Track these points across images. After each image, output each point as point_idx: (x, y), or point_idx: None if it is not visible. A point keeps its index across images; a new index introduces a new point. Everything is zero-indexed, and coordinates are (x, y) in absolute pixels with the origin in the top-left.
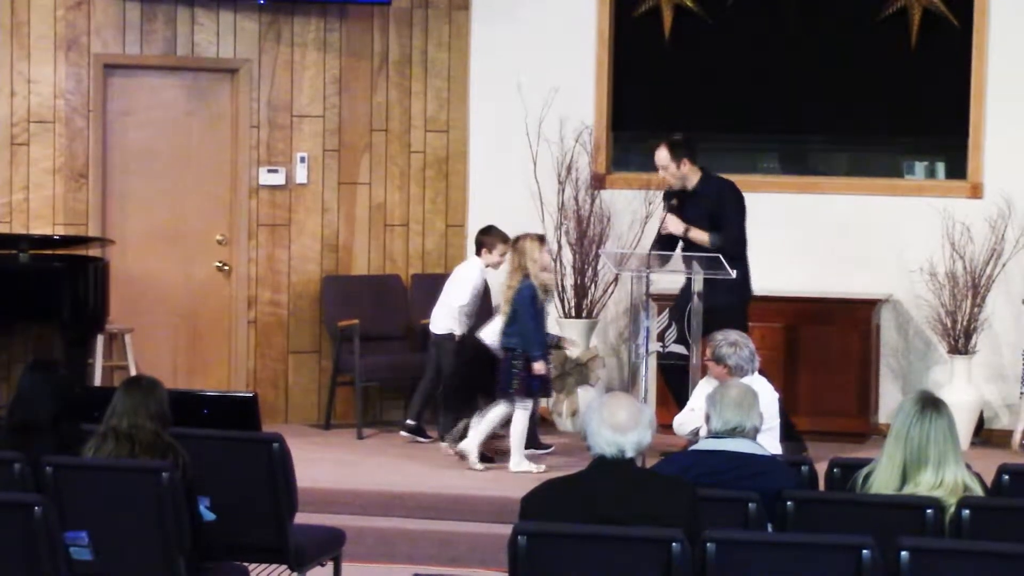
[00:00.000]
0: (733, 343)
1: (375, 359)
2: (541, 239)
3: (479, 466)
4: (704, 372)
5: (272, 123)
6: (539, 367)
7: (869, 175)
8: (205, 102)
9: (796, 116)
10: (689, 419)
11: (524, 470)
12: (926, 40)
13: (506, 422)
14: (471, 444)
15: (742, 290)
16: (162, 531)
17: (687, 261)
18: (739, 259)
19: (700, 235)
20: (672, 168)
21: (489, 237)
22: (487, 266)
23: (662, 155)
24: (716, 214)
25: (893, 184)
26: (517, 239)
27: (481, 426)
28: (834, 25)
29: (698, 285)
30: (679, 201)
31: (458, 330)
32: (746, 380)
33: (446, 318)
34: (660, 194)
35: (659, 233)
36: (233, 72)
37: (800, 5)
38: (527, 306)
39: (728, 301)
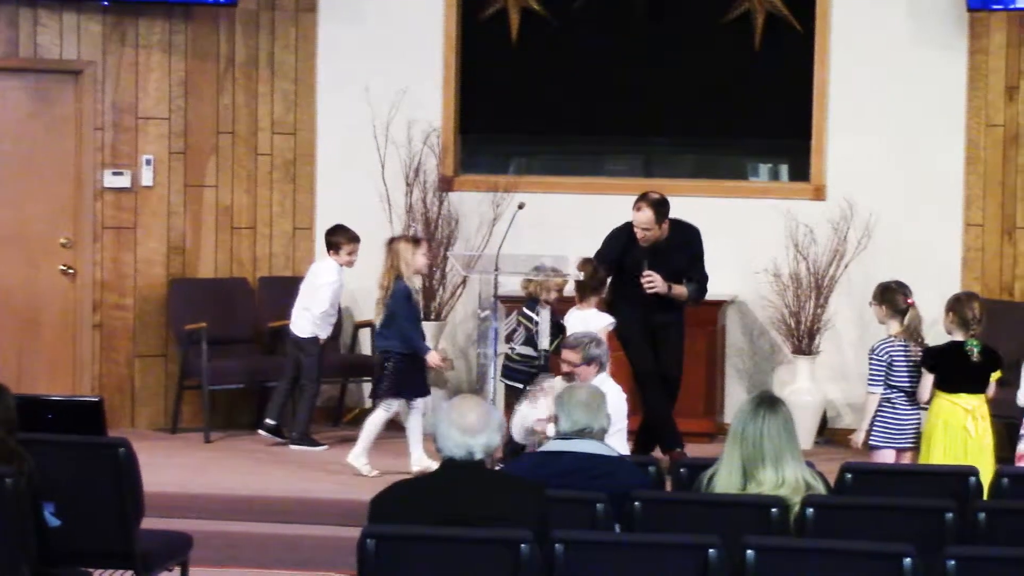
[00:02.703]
0: (597, 342)
1: (222, 363)
2: (416, 241)
3: (372, 472)
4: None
5: (117, 125)
6: (433, 358)
7: (714, 177)
8: (48, 104)
9: (642, 119)
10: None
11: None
12: (770, 43)
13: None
14: (356, 453)
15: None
16: (6, 538)
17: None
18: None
19: (680, 290)
20: (655, 229)
21: (335, 237)
22: (341, 265)
23: (647, 217)
24: (689, 261)
25: (738, 186)
26: (392, 240)
27: (364, 433)
28: (679, 28)
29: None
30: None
31: (322, 334)
32: (595, 381)
33: (309, 323)
34: (510, 197)
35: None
36: (77, 74)
37: (646, 8)
38: (402, 306)
39: (680, 318)
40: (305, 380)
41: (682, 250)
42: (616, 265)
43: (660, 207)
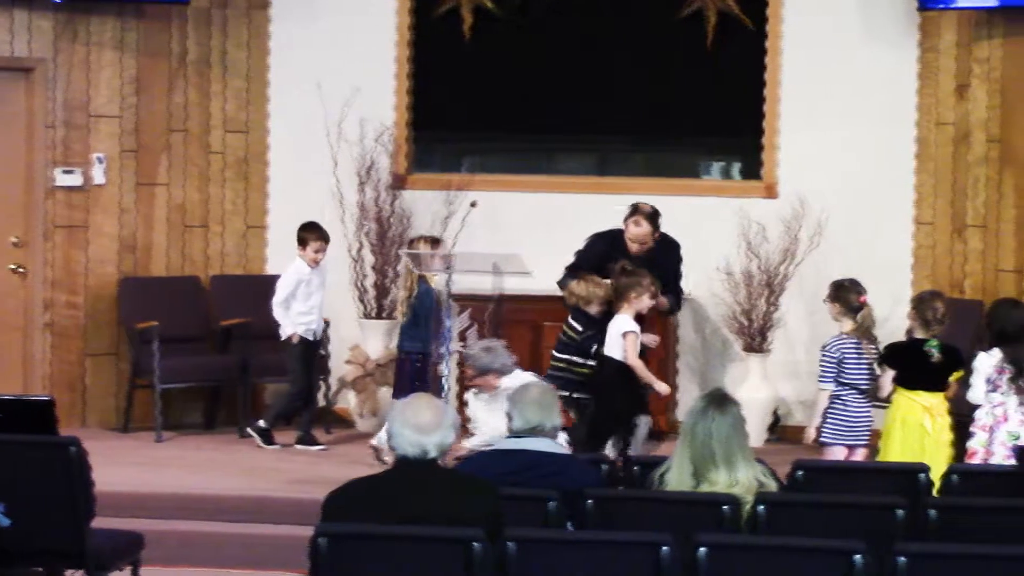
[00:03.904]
0: (489, 349)
1: (174, 361)
2: (435, 241)
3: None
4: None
5: (68, 123)
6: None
7: (667, 175)
8: None
9: (595, 117)
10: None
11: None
12: (722, 42)
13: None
14: (382, 437)
15: None
16: None
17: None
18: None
19: (663, 301)
20: (650, 241)
21: (305, 233)
22: (308, 264)
23: (646, 231)
24: (667, 274)
25: (690, 184)
26: (411, 242)
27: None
28: (632, 27)
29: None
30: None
31: (289, 329)
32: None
33: (279, 321)
34: (463, 195)
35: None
36: (28, 71)
37: (599, 7)
38: (428, 308)
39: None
40: (288, 379)
41: (665, 262)
42: (597, 271)
43: (655, 219)
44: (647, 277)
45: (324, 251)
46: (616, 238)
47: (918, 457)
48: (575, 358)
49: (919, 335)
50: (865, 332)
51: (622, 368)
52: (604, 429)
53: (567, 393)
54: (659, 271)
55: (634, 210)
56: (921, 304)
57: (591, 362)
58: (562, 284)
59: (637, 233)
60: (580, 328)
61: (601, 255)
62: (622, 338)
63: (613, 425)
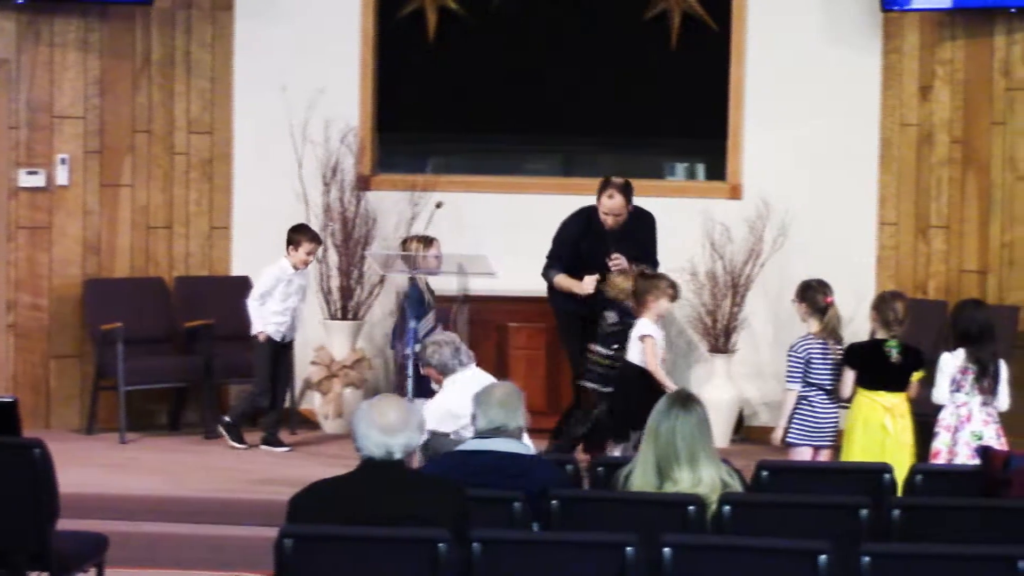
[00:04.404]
0: (435, 343)
1: (139, 362)
2: (428, 241)
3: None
4: None
5: (32, 124)
6: None
7: (631, 176)
8: None
9: (561, 117)
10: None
11: None
12: (686, 43)
13: None
14: None
15: None
16: None
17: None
18: None
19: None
20: (624, 214)
21: (297, 234)
22: (295, 265)
23: (619, 203)
24: (643, 247)
25: (655, 185)
26: (404, 241)
27: None
28: (597, 28)
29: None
30: (605, 240)
31: (259, 326)
32: (467, 376)
33: (251, 316)
34: (427, 196)
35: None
36: None
37: (564, 7)
38: (414, 307)
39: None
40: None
41: (641, 235)
42: (574, 251)
43: (628, 191)
44: (665, 280)
45: (315, 253)
46: (590, 215)
47: (879, 457)
48: (601, 349)
49: (880, 335)
50: (831, 332)
51: (640, 372)
52: (621, 430)
53: (595, 386)
54: (634, 243)
55: (606, 183)
56: (882, 304)
57: (612, 355)
58: (546, 275)
59: (610, 206)
60: (613, 320)
61: (577, 234)
62: (640, 342)
63: (629, 427)
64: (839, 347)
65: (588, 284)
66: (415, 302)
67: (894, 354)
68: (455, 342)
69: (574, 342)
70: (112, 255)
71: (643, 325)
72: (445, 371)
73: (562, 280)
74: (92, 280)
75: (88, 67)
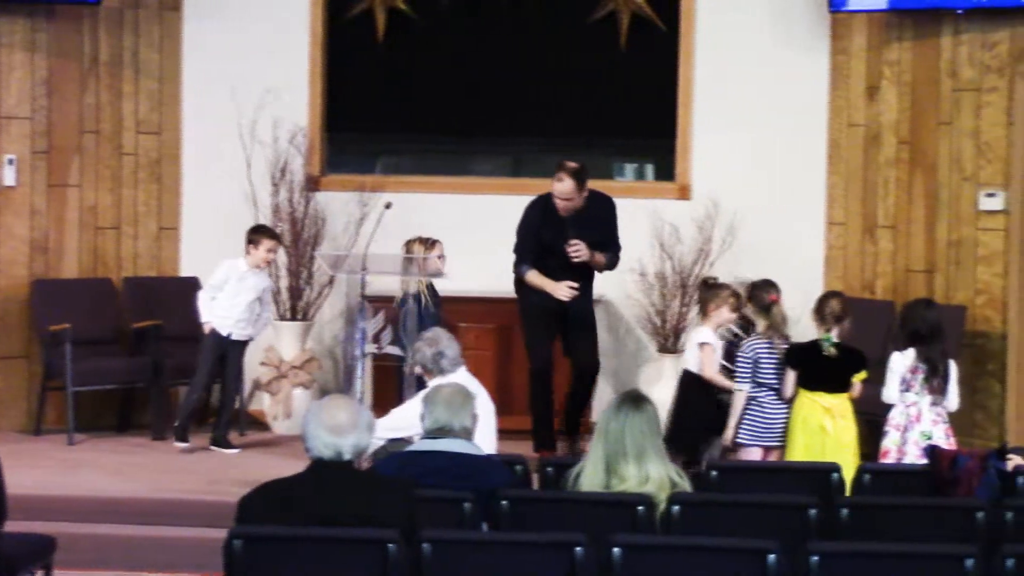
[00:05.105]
0: (421, 342)
1: (87, 363)
2: (431, 243)
3: None
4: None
5: None
6: None
7: None
8: None
9: (510, 118)
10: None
11: None
12: (635, 43)
13: None
14: None
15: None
16: None
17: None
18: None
19: (600, 258)
20: (576, 198)
21: (256, 234)
22: (255, 264)
23: (568, 186)
24: (604, 230)
25: (604, 185)
26: (407, 243)
27: None
28: (546, 28)
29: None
30: (564, 226)
31: (204, 318)
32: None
33: (199, 308)
34: (376, 196)
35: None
36: None
37: (512, 8)
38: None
39: (592, 306)
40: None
41: (600, 219)
42: (538, 241)
43: (579, 175)
44: (727, 289)
45: (275, 252)
46: (547, 202)
47: (819, 458)
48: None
49: (818, 333)
50: (777, 330)
51: (697, 379)
52: (683, 438)
53: None
54: (593, 229)
55: (558, 168)
56: (819, 303)
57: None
58: (518, 271)
59: (560, 189)
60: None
61: (537, 222)
62: (699, 349)
63: (687, 435)
64: (785, 345)
65: (563, 291)
66: (414, 315)
67: (826, 347)
68: (439, 344)
69: (539, 336)
70: (60, 255)
71: (702, 333)
72: (430, 371)
73: (534, 278)
74: (40, 281)
75: (35, 67)
